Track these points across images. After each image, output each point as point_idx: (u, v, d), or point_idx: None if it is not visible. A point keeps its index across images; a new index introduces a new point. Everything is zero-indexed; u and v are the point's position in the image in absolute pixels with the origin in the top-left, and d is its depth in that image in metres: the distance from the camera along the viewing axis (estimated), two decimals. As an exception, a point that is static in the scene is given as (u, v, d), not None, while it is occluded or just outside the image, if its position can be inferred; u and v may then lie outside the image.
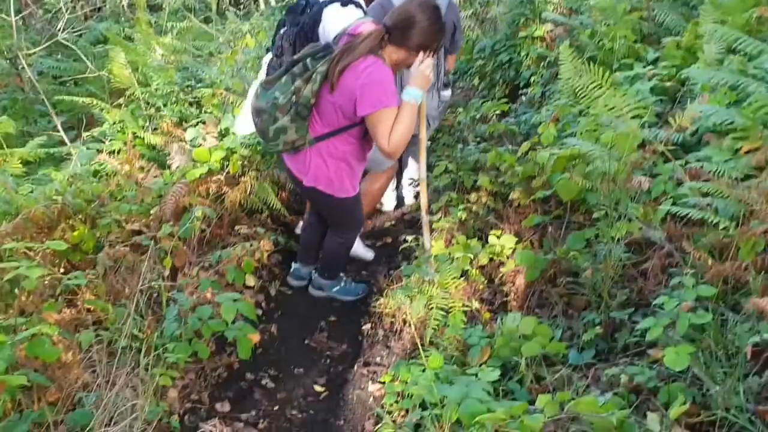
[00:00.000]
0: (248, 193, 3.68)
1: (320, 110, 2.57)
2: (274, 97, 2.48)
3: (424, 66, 2.54)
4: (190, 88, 4.65)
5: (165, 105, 4.48)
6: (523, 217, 3.36)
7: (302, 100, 2.45)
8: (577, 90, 3.10)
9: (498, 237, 3.17)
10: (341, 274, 3.41)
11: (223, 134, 4.00)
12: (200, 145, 3.90)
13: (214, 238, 3.44)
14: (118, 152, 3.94)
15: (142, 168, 3.64)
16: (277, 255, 3.65)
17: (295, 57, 2.55)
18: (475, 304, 2.75)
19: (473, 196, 3.62)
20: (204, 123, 4.14)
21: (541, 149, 3.49)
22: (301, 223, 3.82)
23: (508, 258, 3.09)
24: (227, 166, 3.75)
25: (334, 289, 3.37)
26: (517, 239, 3.13)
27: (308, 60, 2.48)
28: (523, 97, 5.26)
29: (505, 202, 3.57)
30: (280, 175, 3.86)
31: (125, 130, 4.14)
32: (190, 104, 4.59)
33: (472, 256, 3.08)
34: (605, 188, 2.75)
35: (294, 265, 3.51)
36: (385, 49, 2.54)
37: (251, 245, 3.05)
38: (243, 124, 3.28)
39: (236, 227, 3.48)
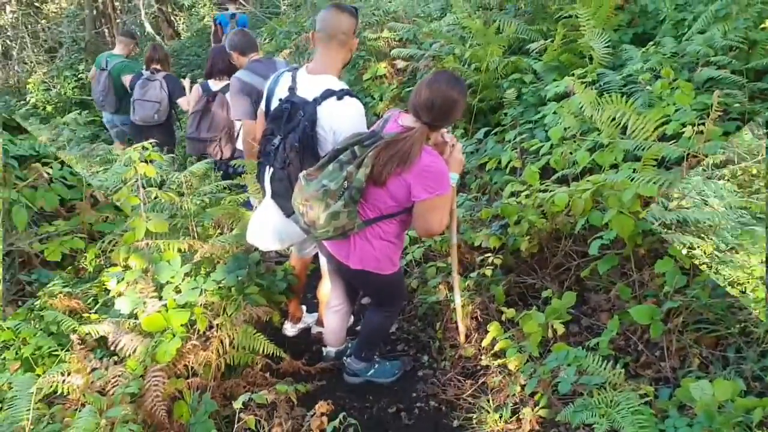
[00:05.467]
0: (228, 348, 2.97)
1: (367, 195, 2.54)
2: (322, 185, 2.44)
3: (456, 151, 2.63)
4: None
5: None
6: (554, 268, 3.13)
7: (355, 183, 2.44)
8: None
9: (551, 297, 2.89)
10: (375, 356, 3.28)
11: (162, 286, 3.21)
12: (141, 312, 3.07)
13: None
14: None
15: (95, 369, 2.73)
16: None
17: (339, 146, 2.51)
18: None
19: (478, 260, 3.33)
20: (129, 283, 3.27)
21: (526, 192, 3.29)
22: (287, 323, 3.65)
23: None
24: (195, 325, 2.99)
25: (370, 373, 3.23)
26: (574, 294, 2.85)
27: (356, 147, 2.48)
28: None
29: (517, 258, 3.31)
30: (256, 311, 3.17)
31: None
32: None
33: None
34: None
35: (324, 350, 3.36)
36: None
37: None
38: (261, 236, 3.06)
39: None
